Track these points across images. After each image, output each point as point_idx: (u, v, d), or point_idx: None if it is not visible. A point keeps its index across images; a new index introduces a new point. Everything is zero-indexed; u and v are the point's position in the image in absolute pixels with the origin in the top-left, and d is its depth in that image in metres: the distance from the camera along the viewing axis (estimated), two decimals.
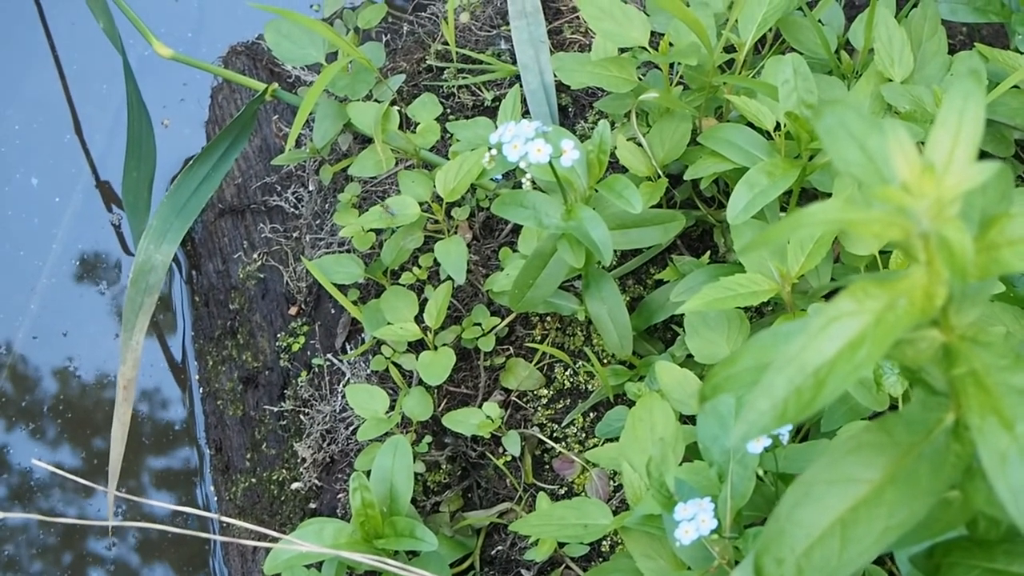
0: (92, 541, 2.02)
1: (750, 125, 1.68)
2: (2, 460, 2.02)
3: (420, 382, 1.78)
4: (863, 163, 0.96)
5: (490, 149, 1.57)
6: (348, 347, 1.89)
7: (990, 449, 0.92)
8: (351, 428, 1.82)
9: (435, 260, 1.81)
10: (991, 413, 0.92)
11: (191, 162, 1.86)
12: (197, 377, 2.11)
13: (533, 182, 1.70)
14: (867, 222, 0.91)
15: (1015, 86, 1.72)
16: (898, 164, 0.90)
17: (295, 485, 1.86)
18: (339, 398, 1.84)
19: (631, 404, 1.55)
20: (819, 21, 1.85)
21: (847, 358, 0.91)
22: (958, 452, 0.98)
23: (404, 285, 1.84)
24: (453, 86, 1.96)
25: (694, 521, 1.25)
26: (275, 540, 1.60)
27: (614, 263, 1.80)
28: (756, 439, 1.25)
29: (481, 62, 1.96)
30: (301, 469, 1.86)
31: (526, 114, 1.87)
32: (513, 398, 1.81)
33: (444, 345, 1.79)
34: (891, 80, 1.72)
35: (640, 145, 1.76)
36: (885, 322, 0.91)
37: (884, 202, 0.90)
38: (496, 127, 1.60)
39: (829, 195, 1.64)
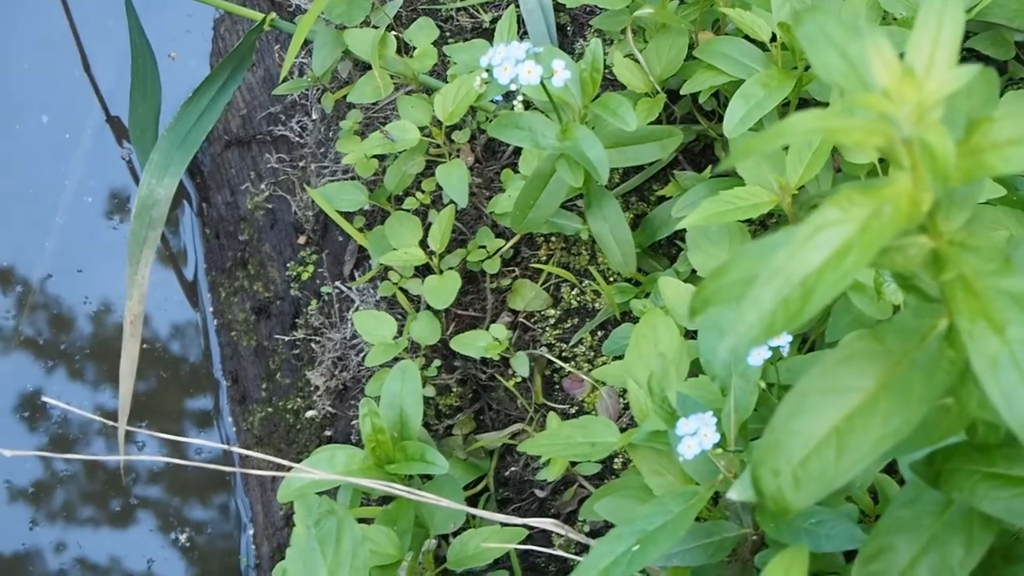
0: (136, 483, 2.04)
1: (746, 37, 1.67)
2: (32, 403, 2.04)
3: (427, 307, 1.78)
4: (844, 70, 0.95)
5: (482, 72, 1.57)
6: (356, 274, 1.89)
7: (981, 354, 0.91)
8: (361, 355, 1.82)
9: (437, 184, 1.81)
10: (981, 317, 0.91)
11: (189, 97, 1.87)
12: (211, 309, 2.11)
13: (526, 104, 1.69)
14: (849, 130, 0.90)
15: None
16: (878, 70, 0.89)
17: (310, 413, 1.88)
18: (348, 325, 1.85)
19: (637, 321, 1.55)
20: None
21: (834, 267, 0.90)
22: (951, 358, 0.98)
23: (408, 210, 1.84)
24: (450, 9, 1.94)
25: (696, 436, 1.25)
26: (289, 469, 1.61)
27: (616, 181, 1.80)
28: (752, 351, 1.25)
29: None
30: (315, 397, 1.87)
31: (524, 35, 1.85)
32: (521, 319, 1.81)
33: (450, 269, 1.79)
34: None
35: (637, 61, 1.75)
36: (871, 229, 0.90)
37: (866, 109, 0.89)
38: (493, 47, 1.60)
39: (827, 104, 1.63)
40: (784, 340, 1.26)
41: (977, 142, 0.91)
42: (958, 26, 0.90)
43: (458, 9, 1.94)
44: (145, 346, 2.06)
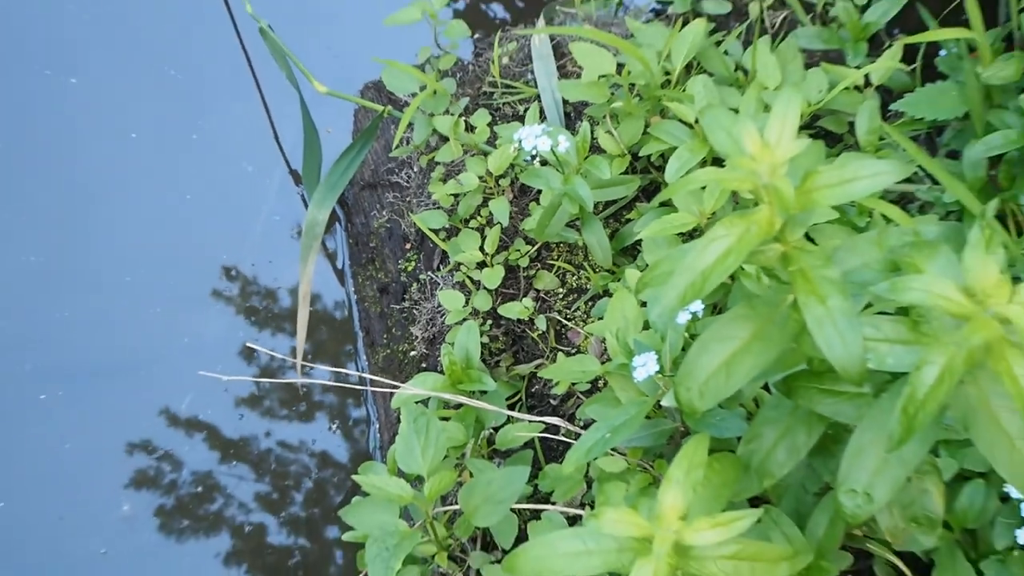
0: (309, 395, 2.05)
1: (680, 121, 1.67)
2: (247, 348, 2.05)
3: (483, 287, 1.78)
4: (729, 143, 0.96)
5: (516, 143, 1.58)
6: (440, 267, 1.89)
7: (812, 316, 0.93)
8: (443, 317, 1.82)
9: (490, 212, 1.81)
10: (812, 294, 0.93)
11: (338, 159, 1.88)
12: (352, 288, 2.10)
13: (543, 161, 1.70)
14: (732, 179, 0.92)
15: (846, 88, 1.70)
16: (748, 143, 0.90)
17: (412, 353, 1.88)
18: (435, 299, 1.85)
19: (612, 296, 1.56)
20: (724, 52, 1.83)
21: (721, 263, 0.92)
22: (795, 319, 0.99)
23: (472, 228, 1.84)
24: (499, 103, 1.94)
25: (645, 366, 1.26)
26: (398, 387, 1.62)
27: (600, 209, 1.79)
28: (678, 314, 1.26)
29: (516, 87, 1.94)
30: (415, 343, 1.87)
31: (544, 118, 1.86)
32: (541, 295, 1.80)
33: (497, 264, 1.79)
34: (767, 88, 1.70)
35: (612, 135, 1.75)
36: (744, 240, 0.92)
37: (741, 167, 0.90)
38: (520, 128, 1.61)
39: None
40: (698, 307, 1.25)
41: (808, 186, 0.92)
42: (796, 116, 0.91)
43: (503, 103, 1.95)
44: (312, 311, 2.07)
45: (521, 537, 1.57)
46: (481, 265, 1.81)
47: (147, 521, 1.95)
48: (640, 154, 1.73)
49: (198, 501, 1.97)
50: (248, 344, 2.03)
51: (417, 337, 1.87)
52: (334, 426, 2.02)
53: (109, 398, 2.01)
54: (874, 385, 1.02)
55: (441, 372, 1.64)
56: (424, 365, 1.86)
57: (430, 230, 1.85)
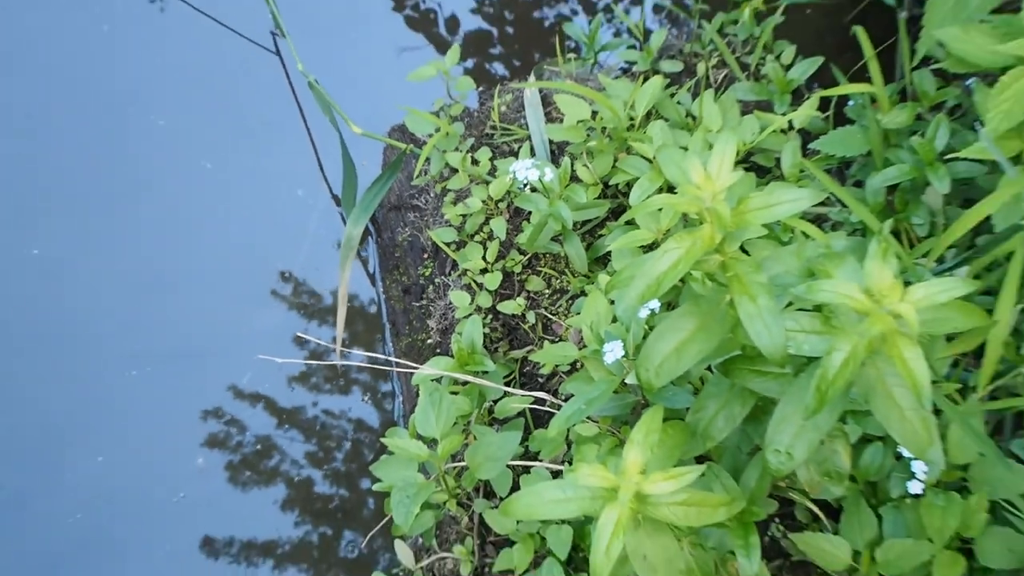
0: (346, 374, 2.05)
1: (641, 156, 1.67)
2: (299, 338, 2.04)
3: (485, 289, 1.78)
4: (679, 175, 0.96)
5: (511, 174, 1.58)
6: (451, 273, 1.88)
7: (744, 312, 0.92)
8: (454, 312, 1.82)
9: (491, 229, 1.81)
10: (744, 294, 0.92)
11: (370, 186, 1.88)
12: (382, 289, 2.09)
13: (532, 189, 1.70)
14: (681, 204, 0.91)
15: (774, 130, 1.70)
16: (694, 175, 0.89)
17: (429, 341, 1.87)
18: (447, 298, 1.84)
19: (587, 295, 1.56)
20: (677, 102, 1.83)
21: (672, 270, 0.91)
22: (732, 314, 0.98)
23: (476, 241, 1.83)
24: (498, 142, 1.94)
25: (613, 352, 1.26)
26: (417, 368, 1.62)
27: (578, 227, 1.79)
28: (640, 310, 1.25)
29: (511, 130, 1.94)
30: (431, 333, 1.86)
31: (534, 155, 1.85)
32: (531, 295, 1.80)
33: (496, 270, 1.78)
34: (711, 131, 1.70)
35: (588, 168, 1.75)
36: (690, 252, 0.91)
37: (688, 194, 0.90)
38: (515, 162, 1.60)
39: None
40: (655, 305, 1.25)
41: (742, 209, 0.92)
42: (732, 154, 0.91)
43: (502, 141, 1.94)
44: (349, 307, 2.06)
45: (515, 487, 1.57)
46: (483, 271, 1.81)
47: (217, 473, 1.95)
48: (610, 183, 1.73)
49: (258, 458, 1.96)
50: (298, 334, 2.02)
51: (433, 328, 1.86)
52: (366, 398, 2.01)
53: (187, 375, 2.00)
54: (794, 367, 1.02)
55: (452, 356, 1.64)
56: (438, 350, 1.85)
57: (443, 243, 1.85)
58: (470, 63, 2.27)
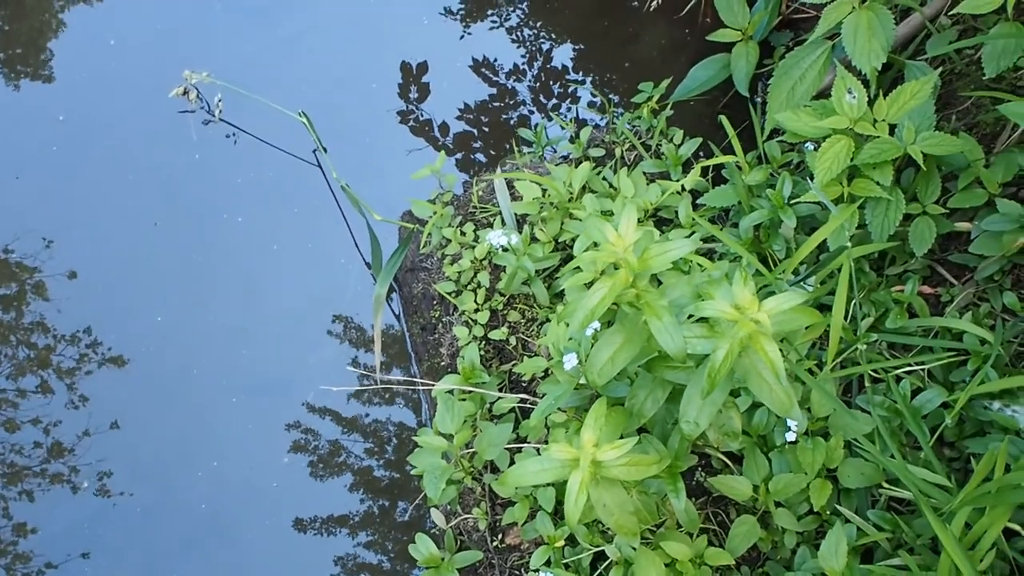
0: (380, 402, 2.03)
1: (579, 220, 1.68)
2: (356, 363, 2.01)
3: (478, 323, 1.78)
4: (600, 237, 0.99)
5: (488, 240, 1.59)
6: (453, 313, 1.88)
7: (655, 326, 0.94)
8: (458, 342, 1.82)
9: (479, 280, 1.81)
10: (653, 315, 0.95)
11: (391, 255, 1.89)
12: (406, 327, 2.08)
13: (504, 249, 1.71)
14: (603, 257, 0.94)
15: (672, 192, 1.72)
16: (609, 236, 0.93)
17: (442, 364, 1.87)
18: (452, 332, 1.84)
19: (550, 322, 1.56)
20: (603, 178, 1.85)
21: (601, 303, 0.93)
22: (647, 329, 0.99)
23: (469, 290, 1.83)
24: (479, 217, 1.95)
25: (571, 361, 1.27)
26: (434, 384, 1.61)
27: (540, 273, 1.79)
28: (585, 330, 1.25)
29: (487, 208, 1.95)
30: (443, 357, 1.86)
31: (504, 225, 1.85)
32: (512, 325, 1.80)
33: (485, 309, 1.79)
34: (627, 198, 1.72)
35: (543, 231, 1.76)
36: (613, 288, 0.94)
37: (606, 249, 0.93)
38: (490, 232, 1.62)
39: None
40: (595, 326, 1.22)
41: (645, 256, 0.94)
42: (635, 219, 0.93)
43: (480, 216, 1.95)
44: (384, 340, 2.05)
45: (511, 463, 1.57)
46: (476, 311, 1.81)
47: (300, 468, 1.94)
48: (559, 240, 1.75)
49: (330, 455, 1.96)
50: (348, 367, 2.01)
51: (444, 354, 1.86)
52: (401, 404, 2.02)
53: (272, 399, 2.00)
54: (694, 362, 1.04)
55: (459, 373, 1.64)
56: (449, 370, 1.85)
57: (446, 292, 1.85)
58: (459, 155, 2.29)
